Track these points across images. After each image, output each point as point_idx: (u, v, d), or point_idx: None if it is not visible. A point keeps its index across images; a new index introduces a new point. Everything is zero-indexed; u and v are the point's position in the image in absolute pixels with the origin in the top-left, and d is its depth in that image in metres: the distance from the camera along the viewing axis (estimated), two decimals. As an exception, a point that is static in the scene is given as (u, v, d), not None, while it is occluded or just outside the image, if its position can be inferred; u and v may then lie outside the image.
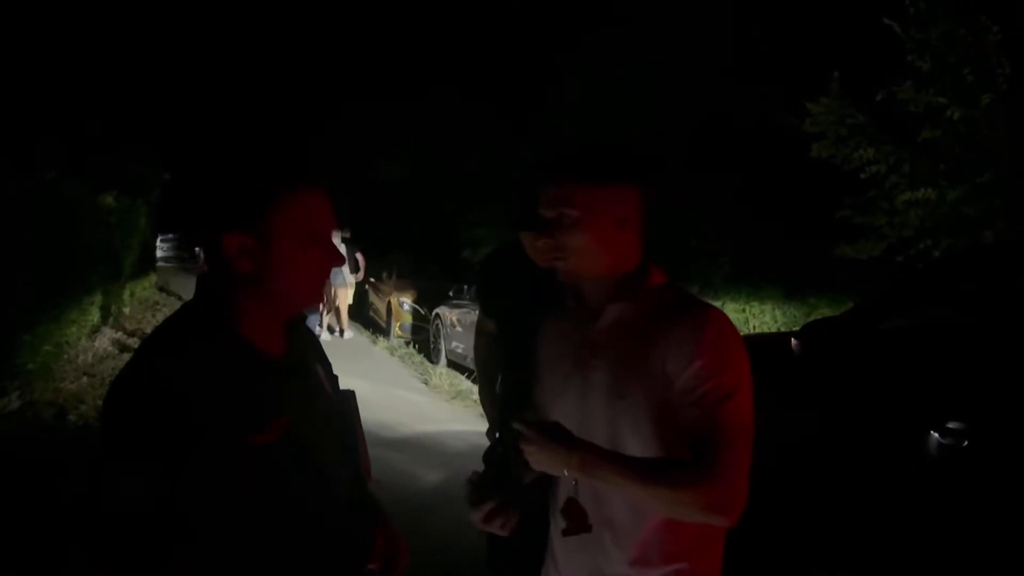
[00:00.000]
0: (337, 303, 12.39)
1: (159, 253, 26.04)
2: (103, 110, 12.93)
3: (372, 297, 13.55)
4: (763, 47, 11.21)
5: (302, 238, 1.33)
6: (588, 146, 1.63)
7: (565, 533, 1.53)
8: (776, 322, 11.45)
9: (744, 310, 12.07)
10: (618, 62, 13.69)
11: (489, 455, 2.66)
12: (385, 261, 13.63)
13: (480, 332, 3.07)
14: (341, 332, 12.50)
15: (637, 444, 1.49)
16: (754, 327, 11.84)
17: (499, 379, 2.90)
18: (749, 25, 11.70)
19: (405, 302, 11.90)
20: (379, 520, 1.60)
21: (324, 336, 12.21)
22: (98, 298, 9.16)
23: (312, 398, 1.45)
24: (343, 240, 12.36)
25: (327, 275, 1.42)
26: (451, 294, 10.59)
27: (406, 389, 9.08)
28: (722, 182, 12.35)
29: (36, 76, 10.39)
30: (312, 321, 10.46)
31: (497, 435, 2.85)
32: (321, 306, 12.46)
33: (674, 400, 1.46)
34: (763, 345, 4.26)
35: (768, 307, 11.94)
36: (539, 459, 1.46)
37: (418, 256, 14.60)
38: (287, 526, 1.33)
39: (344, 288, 12.39)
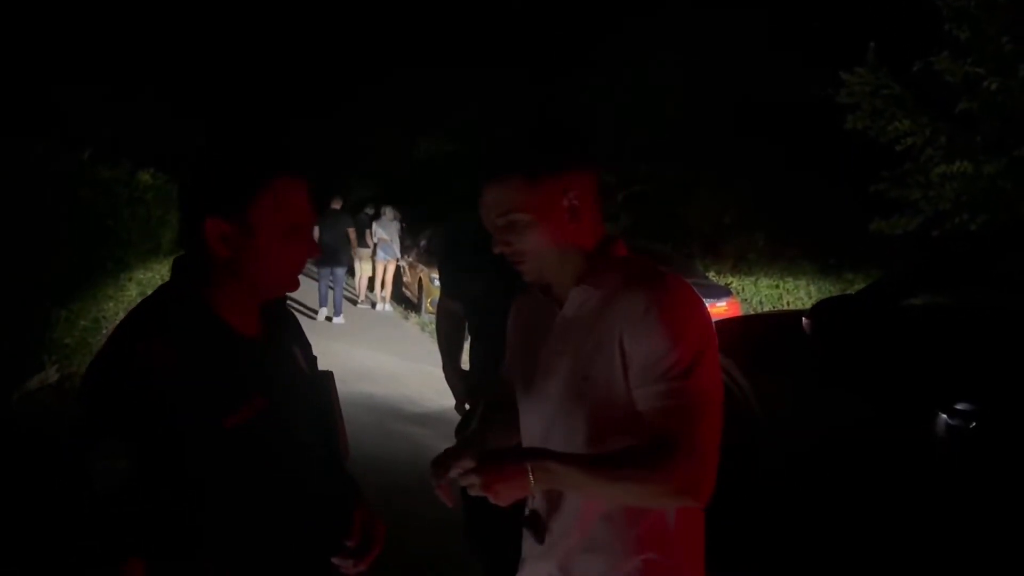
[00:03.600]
0: (384, 277, 12.96)
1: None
2: (142, 86, 13.10)
3: (405, 273, 13.68)
4: (798, 17, 10.96)
5: (282, 230, 1.35)
6: (519, 136, 1.50)
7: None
8: (811, 298, 11.32)
9: (778, 286, 11.94)
10: (655, 36, 13.54)
11: (462, 428, 2.71)
12: (419, 237, 13.74)
13: (444, 311, 3.02)
14: (378, 304, 13.09)
15: (603, 430, 1.41)
16: (788, 303, 11.71)
17: (468, 352, 2.92)
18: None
19: (436, 278, 11.98)
20: (357, 499, 1.64)
21: (385, 307, 12.90)
22: (136, 274, 9.36)
23: (288, 379, 1.48)
24: (394, 219, 12.86)
25: (303, 266, 1.44)
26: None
27: (435, 365, 9.11)
28: (756, 156, 12.17)
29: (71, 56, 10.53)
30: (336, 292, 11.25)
31: (467, 407, 2.88)
32: (366, 279, 13.03)
33: (634, 379, 1.38)
34: (776, 323, 4.23)
35: (803, 283, 11.80)
36: (503, 494, 1.34)
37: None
38: (262, 504, 1.36)
39: (392, 262, 12.96)
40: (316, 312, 11.30)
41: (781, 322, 4.20)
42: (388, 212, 13.04)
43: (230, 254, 1.33)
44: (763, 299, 11.84)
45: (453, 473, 1.39)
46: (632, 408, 1.39)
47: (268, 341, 1.45)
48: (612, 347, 1.40)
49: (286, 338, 1.54)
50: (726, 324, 4.39)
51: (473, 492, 1.35)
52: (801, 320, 3.47)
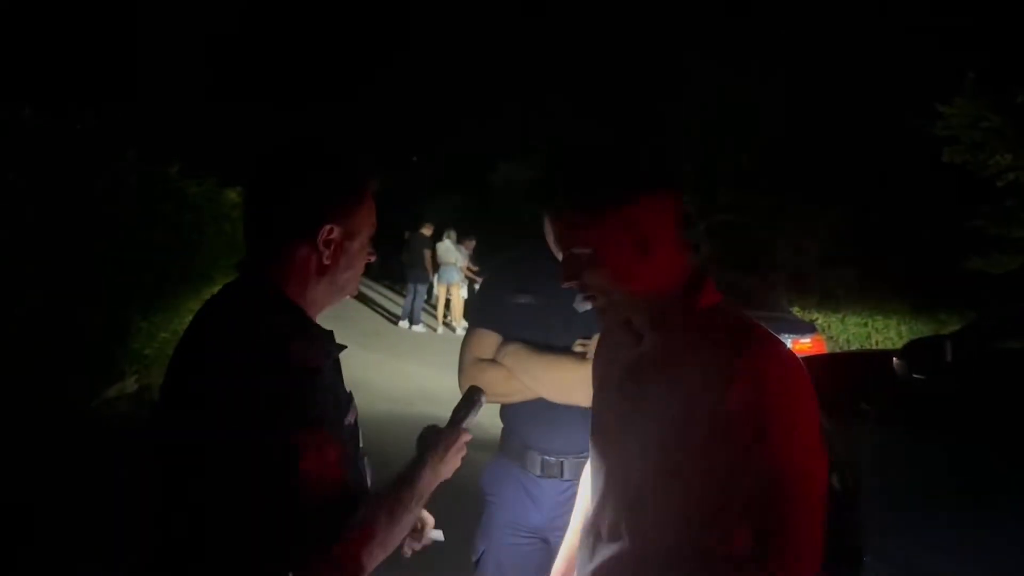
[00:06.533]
0: (450, 299, 13.10)
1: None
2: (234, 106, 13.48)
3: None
4: (892, 47, 10.58)
5: (367, 236, 1.42)
6: (578, 164, 1.37)
7: None
8: (901, 338, 10.77)
9: (867, 324, 11.46)
10: (748, 55, 13.27)
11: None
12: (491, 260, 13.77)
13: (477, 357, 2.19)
14: (453, 328, 13.07)
15: (668, 485, 1.28)
16: (877, 343, 11.20)
17: None
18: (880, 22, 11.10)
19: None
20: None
21: (457, 331, 12.79)
22: (218, 289, 9.58)
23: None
24: (457, 242, 12.98)
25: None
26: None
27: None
28: (846, 188, 11.77)
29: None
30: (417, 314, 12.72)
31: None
32: (442, 304, 13.17)
33: (712, 449, 1.23)
34: (863, 363, 4.00)
35: (893, 322, 11.29)
36: None
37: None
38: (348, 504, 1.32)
39: (455, 285, 13.05)
40: (397, 321, 12.77)
41: (868, 362, 3.96)
42: (452, 235, 13.14)
43: (332, 258, 1.36)
44: (850, 337, 11.38)
45: None
46: (701, 467, 1.25)
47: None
48: (685, 410, 1.26)
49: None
50: (809, 362, 4.17)
51: None
52: (890, 360, 3.26)
